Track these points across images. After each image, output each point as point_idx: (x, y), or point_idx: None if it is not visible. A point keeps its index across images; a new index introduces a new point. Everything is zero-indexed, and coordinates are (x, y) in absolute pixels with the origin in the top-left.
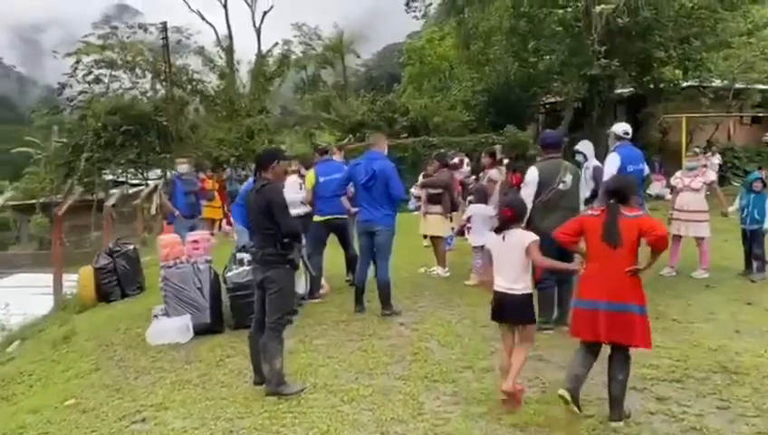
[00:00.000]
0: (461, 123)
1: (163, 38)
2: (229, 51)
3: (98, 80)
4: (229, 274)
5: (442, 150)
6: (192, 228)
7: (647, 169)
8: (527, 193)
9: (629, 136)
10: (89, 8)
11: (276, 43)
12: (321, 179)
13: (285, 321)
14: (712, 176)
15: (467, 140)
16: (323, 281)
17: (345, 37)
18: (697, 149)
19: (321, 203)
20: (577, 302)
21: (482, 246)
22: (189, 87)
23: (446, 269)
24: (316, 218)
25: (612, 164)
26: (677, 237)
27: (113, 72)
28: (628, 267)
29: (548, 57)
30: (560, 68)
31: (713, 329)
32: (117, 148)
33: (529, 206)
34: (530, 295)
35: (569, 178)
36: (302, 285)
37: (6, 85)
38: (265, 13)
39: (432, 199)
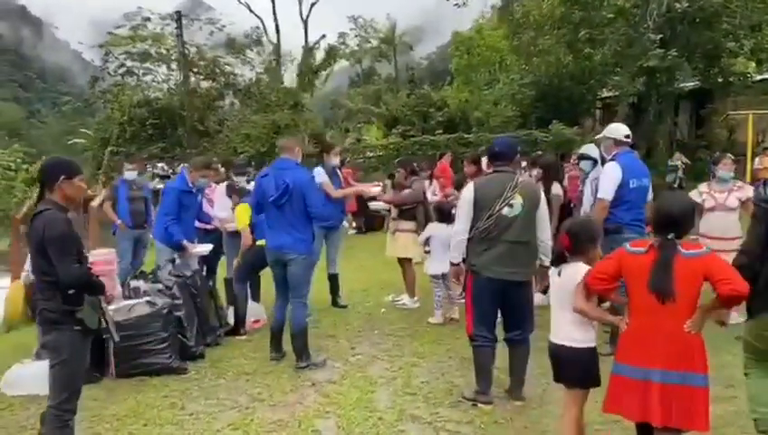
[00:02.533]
0: (504, 119)
1: (177, 27)
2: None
3: (131, 72)
4: (111, 307)
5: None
6: (138, 241)
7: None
8: (459, 217)
9: (630, 141)
10: (165, 4)
11: (323, 36)
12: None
13: (73, 407)
14: (750, 191)
15: (507, 137)
16: (263, 312)
17: (399, 29)
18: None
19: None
20: (619, 368)
21: (442, 275)
22: (223, 80)
23: (416, 299)
24: (260, 243)
25: (610, 177)
26: None
27: (147, 65)
28: (687, 323)
29: (603, 48)
30: (614, 59)
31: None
32: (142, 142)
33: (460, 237)
34: (590, 350)
35: (518, 201)
36: (231, 316)
37: (83, 79)
38: (313, 4)
39: (403, 214)
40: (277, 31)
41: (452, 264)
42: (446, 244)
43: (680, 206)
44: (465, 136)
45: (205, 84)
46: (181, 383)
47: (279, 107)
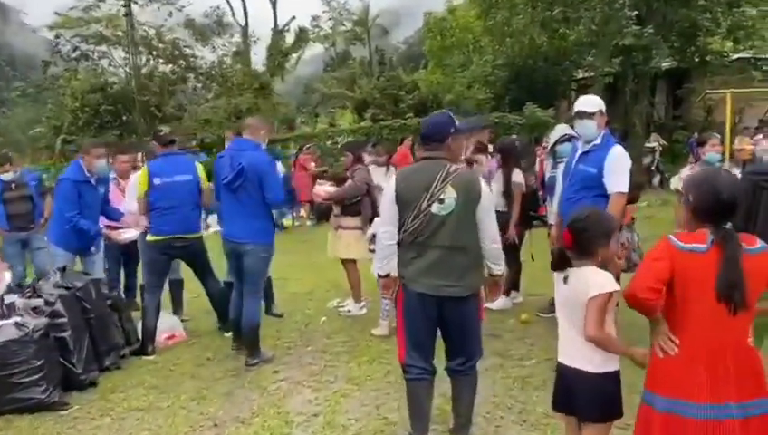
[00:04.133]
0: (477, 101)
1: (125, 5)
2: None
3: (85, 56)
4: None
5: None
6: (26, 244)
7: None
8: (382, 218)
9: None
10: None
11: (293, 18)
12: (157, 181)
13: None
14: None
15: (478, 118)
16: (179, 326)
17: (374, 12)
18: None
19: (156, 217)
20: (672, 404)
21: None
22: (184, 63)
23: (363, 304)
24: (150, 238)
25: (627, 166)
26: None
27: (102, 49)
28: (749, 337)
29: (578, 27)
30: (589, 38)
31: None
32: (96, 129)
33: (386, 242)
34: (612, 376)
35: (450, 195)
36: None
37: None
38: None
39: (346, 210)
40: (245, 12)
41: (379, 276)
42: None
43: (736, 187)
44: None
45: (166, 68)
46: (55, 424)
47: (243, 90)
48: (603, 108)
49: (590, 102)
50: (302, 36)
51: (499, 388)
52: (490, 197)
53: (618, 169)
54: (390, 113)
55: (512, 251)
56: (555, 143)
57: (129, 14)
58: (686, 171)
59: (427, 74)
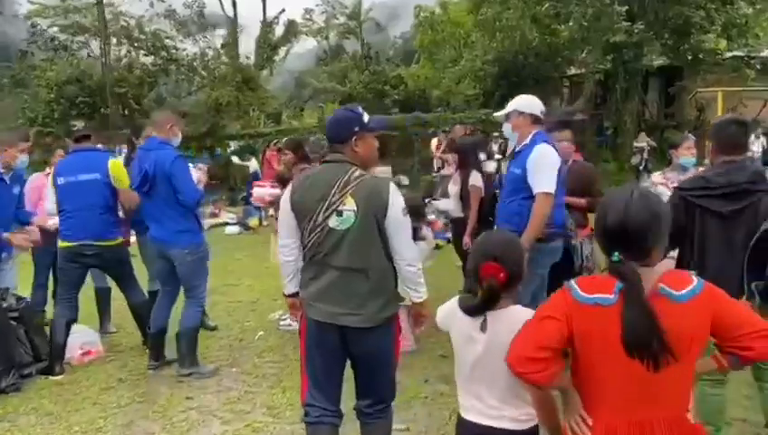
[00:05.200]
0: (466, 97)
1: None
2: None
3: (64, 47)
4: None
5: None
6: None
7: None
8: (280, 230)
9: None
10: None
11: (283, 10)
12: (61, 181)
13: None
14: None
15: (466, 116)
16: (97, 341)
17: (366, 5)
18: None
19: (62, 220)
20: None
21: None
22: (165, 55)
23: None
24: (60, 245)
25: (553, 163)
26: None
27: (81, 39)
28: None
29: (569, 22)
30: (580, 34)
31: None
32: (73, 120)
33: (285, 257)
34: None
35: (349, 207)
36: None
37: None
38: None
39: None
40: (234, 4)
41: (284, 295)
42: None
43: (631, 211)
44: (422, 115)
45: (147, 60)
46: None
47: (225, 84)
48: (522, 108)
49: (511, 103)
50: (292, 29)
51: (434, 421)
52: (401, 208)
53: (540, 168)
54: (376, 108)
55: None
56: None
57: (100, 2)
58: (657, 177)
59: (418, 69)
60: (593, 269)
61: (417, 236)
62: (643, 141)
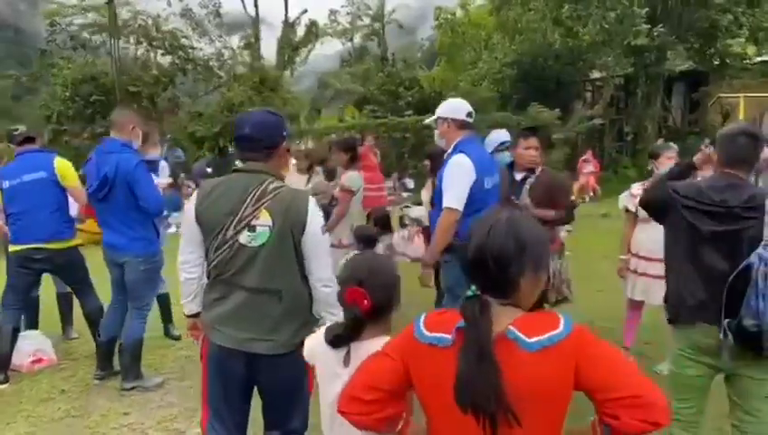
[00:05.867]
0: (482, 100)
1: None
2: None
3: (82, 45)
4: None
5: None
6: None
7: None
8: (181, 243)
9: (472, 121)
10: None
11: (305, 11)
12: (5, 185)
13: None
14: None
15: (480, 119)
16: (48, 348)
17: (390, 5)
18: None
19: (11, 225)
20: None
21: None
22: (182, 54)
23: None
24: (10, 249)
25: (462, 175)
26: (637, 304)
27: (99, 38)
28: None
29: (588, 25)
30: (601, 37)
31: None
32: (86, 120)
33: (185, 274)
34: None
35: (264, 222)
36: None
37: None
38: None
39: None
40: (256, 4)
41: (185, 315)
42: None
43: (510, 236)
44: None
45: (164, 59)
46: None
47: (241, 84)
48: (446, 113)
49: (438, 109)
50: (314, 30)
51: None
52: (320, 225)
53: (447, 182)
54: (389, 110)
55: (437, 276)
56: (493, 151)
57: (110, 1)
58: (636, 189)
59: (437, 71)
60: (562, 287)
61: (373, 246)
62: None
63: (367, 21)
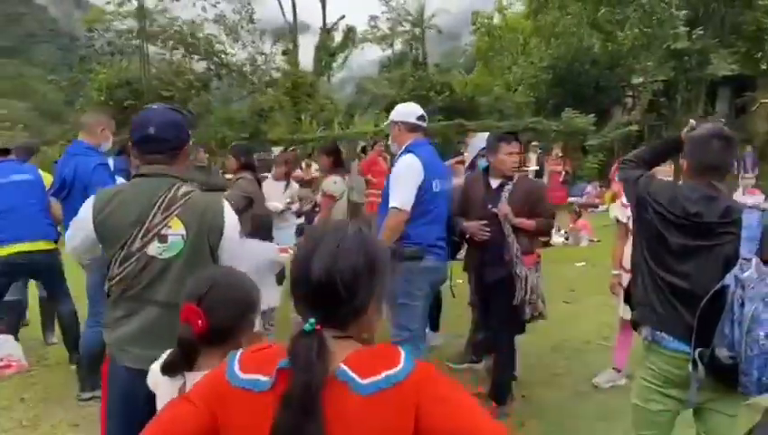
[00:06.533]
0: (516, 105)
1: None
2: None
3: (121, 51)
4: None
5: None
6: None
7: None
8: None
9: (425, 125)
10: None
11: (343, 16)
12: None
13: None
14: None
15: (512, 124)
16: (19, 353)
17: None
18: None
19: None
20: None
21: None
22: (217, 60)
23: None
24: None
25: (410, 177)
26: (629, 323)
27: (135, 43)
28: None
29: (626, 28)
30: (640, 41)
31: None
32: (119, 126)
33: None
34: None
35: (177, 231)
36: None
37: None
38: None
39: None
40: (294, 9)
41: None
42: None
43: (339, 259)
44: (465, 123)
45: (200, 65)
46: None
47: (274, 89)
48: (396, 117)
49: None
50: (351, 36)
51: None
52: (238, 230)
53: (395, 181)
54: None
55: None
56: (476, 156)
57: (141, 8)
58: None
59: (473, 76)
60: (538, 303)
61: None
62: None
63: (407, 27)
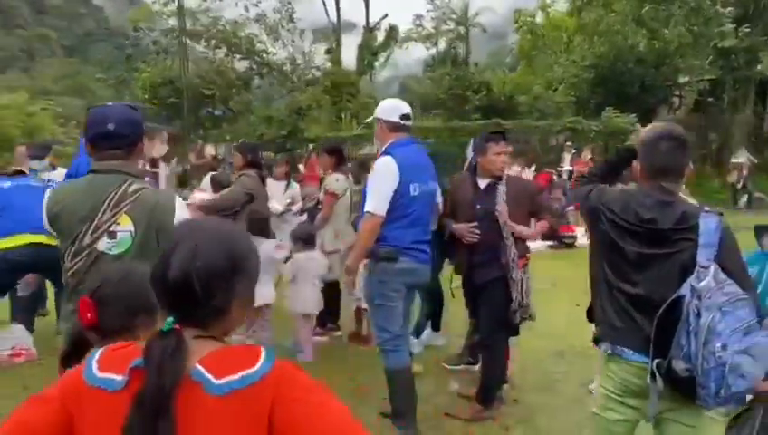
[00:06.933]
0: (556, 104)
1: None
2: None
3: (165, 50)
4: None
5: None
6: None
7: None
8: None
9: (410, 124)
10: None
11: (386, 15)
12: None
13: None
14: None
15: (550, 124)
16: (28, 342)
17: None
18: None
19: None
20: None
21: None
22: (258, 58)
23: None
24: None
25: (384, 180)
26: None
27: (186, 42)
28: None
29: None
30: (683, 39)
31: None
32: (162, 122)
33: None
34: None
35: (126, 227)
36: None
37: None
38: None
39: None
40: (337, 9)
41: None
42: (267, 264)
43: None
44: (502, 123)
45: (242, 64)
46: None
47: (314, 88)
48: (378, 114)
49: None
50: (393, 35)
51: None
52: None
53: (369, 185)
54: (456, 114)
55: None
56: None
57: (180, 6)
58: None
59: (515, 74)
60: (530, 305)
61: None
62: (743, 157)
63: (451, 25)
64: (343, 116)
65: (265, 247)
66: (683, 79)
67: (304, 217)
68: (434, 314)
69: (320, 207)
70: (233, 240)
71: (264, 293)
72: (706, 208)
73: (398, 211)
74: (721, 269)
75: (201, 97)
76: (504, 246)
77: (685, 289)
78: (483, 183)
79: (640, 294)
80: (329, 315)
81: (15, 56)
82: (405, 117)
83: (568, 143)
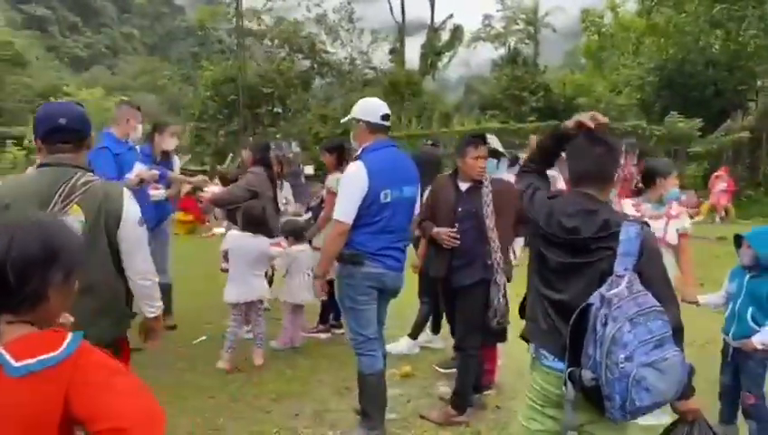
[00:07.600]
0: (618, 107)
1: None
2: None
3: (230, 49)
4: None
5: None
6: None
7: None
8: None
9: (388, 125)
10: None
11: (450, 15)
12: None
13: None
14: (687, 222)
15: (609, 127)
16: None
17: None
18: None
19: None
20: None
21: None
22: (318, 58)
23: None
24: None
25: (352, 186)
26: None
27: (245, 42)
28: None
29: (744, 26)
30: (759, 40)
31: None
32: (222, 119)
33: None
34: None
35: (75, 217)
36: None
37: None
38: None
39: (230, 216)
40: (402, 9)
41: None
42: (260, 259)
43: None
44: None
45: (304, 63)
46: None
47: (369, 86)
48: (356, 114)
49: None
50: (457, 35)
51: None
52: (137, 217)
53: (339, 191)
54: (512, 115)
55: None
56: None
57: (238, 7)
58: (629, 206)
59: (580, 76)
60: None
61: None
62: None
63: (521, 25)
64: (402, 116)
65: (259, 243)
66: (759, 83)
67: (309, 214)
68: (433, 317)
69: (323, 205)
70: (50, 232)
71: (259, 287)
72: (630, 217)
73: (366, 218)
74: (641, 279)
75: (260, 95)
76: (486, 249)
77: (593, 298)
78: (464, 186)
79: (562, 304)
80: (332, 310)
81: (101, 53)
82: (385, 117)
83: (623, 148)
